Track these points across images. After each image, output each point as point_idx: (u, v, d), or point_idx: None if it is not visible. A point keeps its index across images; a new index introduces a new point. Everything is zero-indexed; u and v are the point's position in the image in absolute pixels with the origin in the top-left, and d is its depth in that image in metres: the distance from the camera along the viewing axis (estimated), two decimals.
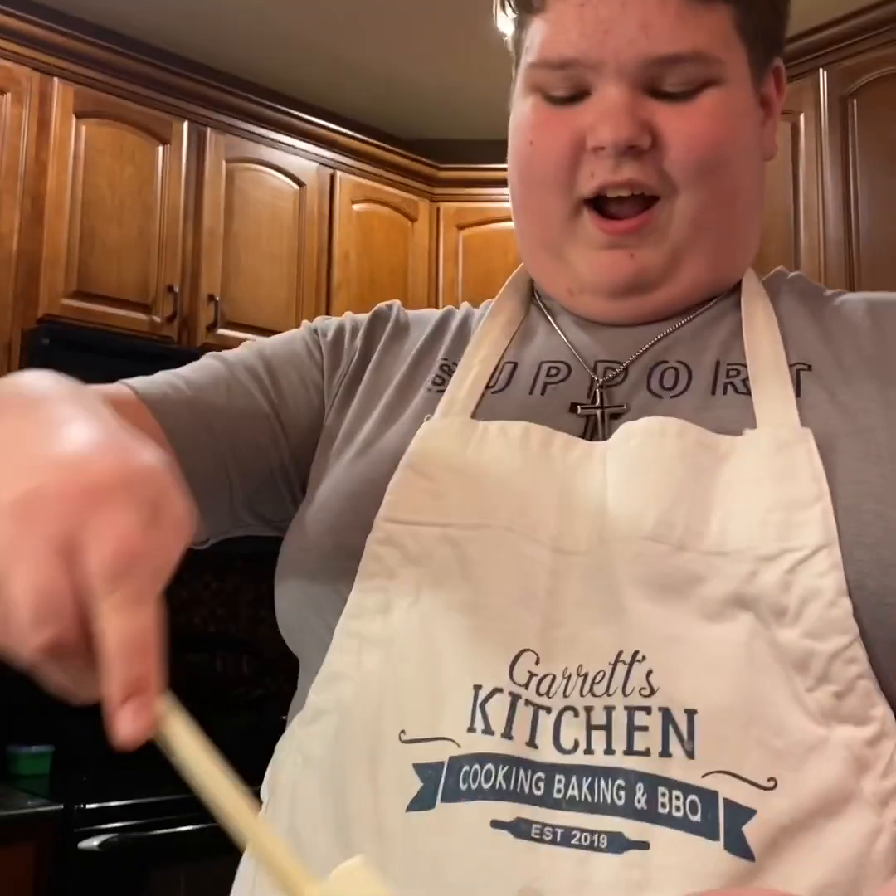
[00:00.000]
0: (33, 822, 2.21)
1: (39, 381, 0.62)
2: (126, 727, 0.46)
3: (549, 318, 0.83)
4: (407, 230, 3.31)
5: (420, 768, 0.63)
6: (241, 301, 2.93)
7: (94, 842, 2.22)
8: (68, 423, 0.52)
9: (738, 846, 0.59)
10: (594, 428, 0.74)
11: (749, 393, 0.72)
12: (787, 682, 0.62)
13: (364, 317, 0.89)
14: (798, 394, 0.72)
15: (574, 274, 0.79)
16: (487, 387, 0.78)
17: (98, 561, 0.46)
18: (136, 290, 2.77)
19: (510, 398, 0.77)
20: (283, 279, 3.03)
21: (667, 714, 0.61)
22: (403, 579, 0.69)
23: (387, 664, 0.68)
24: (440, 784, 0.62)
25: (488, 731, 0.63)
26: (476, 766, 0.62)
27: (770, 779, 0.60)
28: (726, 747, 0.61)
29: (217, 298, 2.89)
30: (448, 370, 0.81)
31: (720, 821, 0.59)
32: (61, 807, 2.26)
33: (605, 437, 0.73)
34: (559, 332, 0.81)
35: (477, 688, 0.64)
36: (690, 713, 0.61)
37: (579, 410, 0.75)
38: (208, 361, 0.85)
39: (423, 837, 0.62)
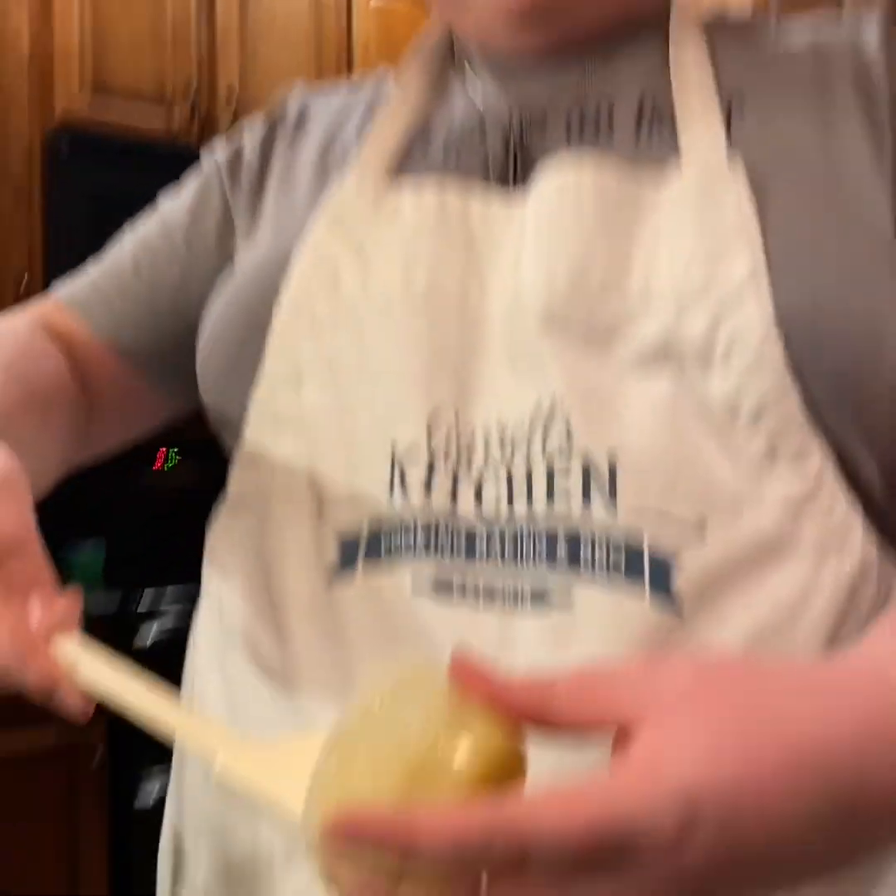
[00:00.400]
0: (89, 621, 2.35)
1: None
2: (31, 676, 0.51)
3: (465, 71, 0.76)
4: (426, 23, 3.16)
5: (339, 534, 0.63)
6: (260, 94, 2.86)
7: (147, 639, 2.34)
8: None
9: (663, 594, 0.56)
10: (508, 179, 0.68)
11: (675, 132, 0.66)
12: (714, 430, 0.59)
13: (259, 125, 0.82)
14: (728, 122, 0.65)
15: (471, 11, 0.70)
16: (400, 149, 0.72)
17: None
18: (152, 85, 2.71)
19: (423, 159, 0.71)
20: (302, 71, 2.94)
21: (586, 462, 0.58)
22: (312, 351, 0.66)
23: (301, 440, 0.66)
24: (360, 549, 0.62)
25: (406, 491, 0.61)
26: (396, 529, 0.61)
27: (699, 516, 0.57)
28: (651, 491, 0.58)
29: (235, 91, 2.82)
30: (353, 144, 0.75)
31: (645, 568, 0.57)
32: (118, 598, 2.40)
33: (519, 187, 0.67)
34: (473, 88, 0.74)
35: (394, 447, 0.62)
36: (612, 461, 0.58)
37: (494, 172, 0.69)
38: (117, 255, 0.83)
39: (342, 609, 0.61)
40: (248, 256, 0.74)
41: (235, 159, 0.81)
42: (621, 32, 0.71)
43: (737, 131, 0.65)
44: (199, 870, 0.68)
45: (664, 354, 0.59)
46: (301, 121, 0.80)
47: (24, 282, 2.50)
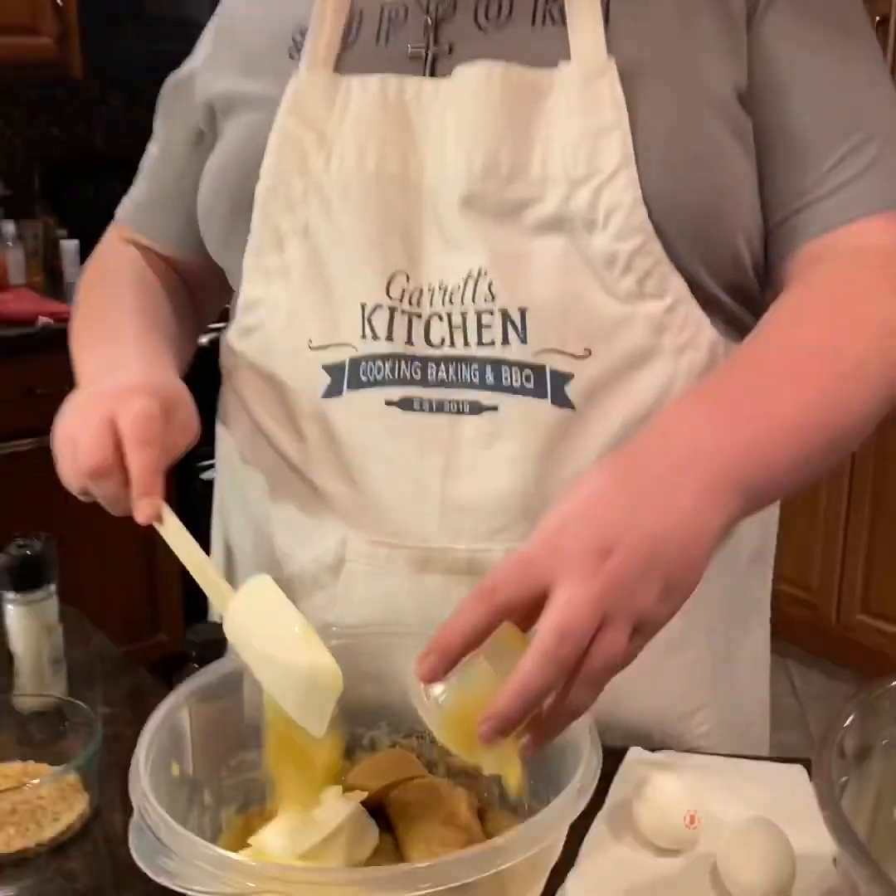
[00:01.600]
0: None
1: (121, 310, 0.94)
2: (140, 514, 0.74)
3: None
4: None
5: (328, 367, 0.85)
6: None
7: None
8: (129, 358, 0.86)
9: (562, 400, 0.81)
10: (432, 67, 0.84)
11: (565, 22, 0.81)
12: (597, 277, 0.80)
13: None
14: (607, 19, 0.80)
15: None
16: (342, 40, 0.86)
17: (126, 427, 0.75)
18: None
19: (362, 50, 0.86)
20: None
21: (505, 313, 0.80)
22: (289, 220, 0.85)
23: (288, 290, 0.86)
24: (345, 377, 0.84)
25: (375, 336, 0.83)
26: (369, 363, 0.83)
27: (585, 349, 0.80)
28: (551, 333, 0.80)
29: None
30: (303, 33, 0.87)
31: (548, 384, 0.80)
32: None
33: (442, 74, 0.83)
34: None
35: (363, 305, 0.83)
36: (523, 311, 0.80)
37: (417, 53, 0.84)
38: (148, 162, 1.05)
39: (337, 417, 0.85)
40: (227, 139, 0.90)
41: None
42: None
43: (614, 27, 0.80)
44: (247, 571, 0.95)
45: (559, 223, 0.80)
46: None
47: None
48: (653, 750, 0.85)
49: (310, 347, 0.86)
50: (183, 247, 1.02)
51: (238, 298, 0.91)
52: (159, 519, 0.74)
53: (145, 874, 0.59)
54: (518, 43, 0.82)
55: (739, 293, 0.86)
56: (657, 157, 0.79)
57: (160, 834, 0.59)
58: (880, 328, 0.76)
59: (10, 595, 0.90)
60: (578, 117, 0.79)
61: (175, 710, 0.71)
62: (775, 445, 0.69)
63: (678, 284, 0.81)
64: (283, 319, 0.87)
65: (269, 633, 0.68)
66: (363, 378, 0.84)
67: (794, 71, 0.82)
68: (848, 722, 0.59)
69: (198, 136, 0.96)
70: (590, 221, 0.79)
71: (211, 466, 2.55)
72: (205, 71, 0.95)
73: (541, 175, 0.79)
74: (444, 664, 0.60)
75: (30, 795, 0.78)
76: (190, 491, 2.71)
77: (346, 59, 0.86)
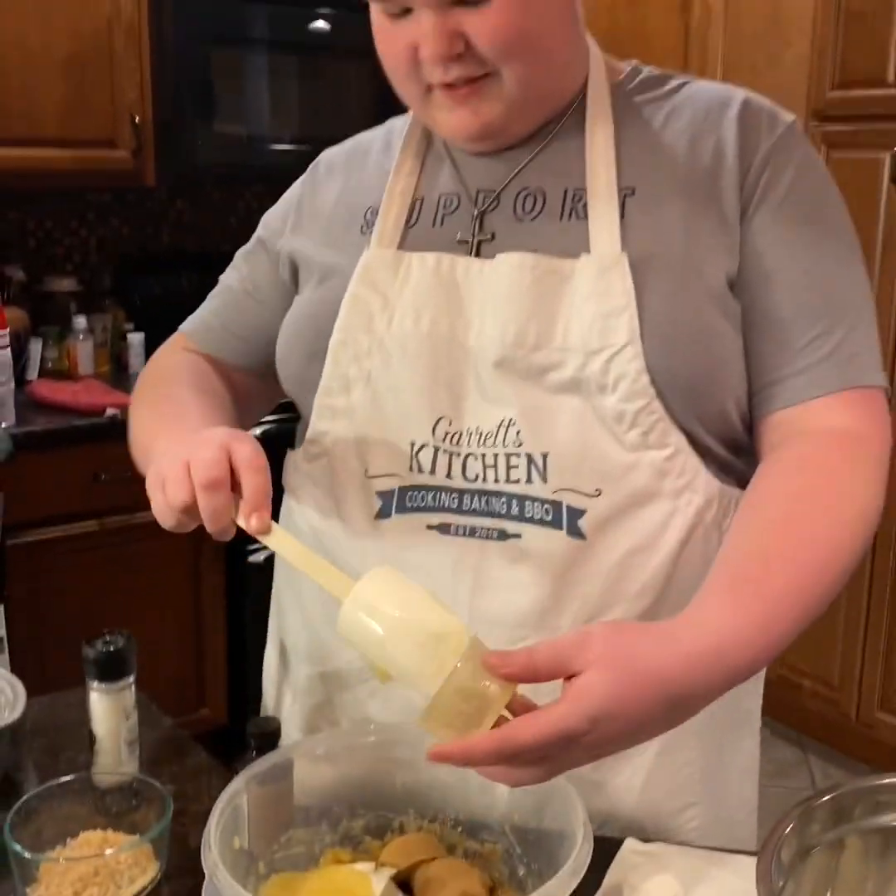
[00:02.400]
0: None
1: (181, 392, 1.09)
2: (252, 525, 0.85)
3: (445, 147, 1.06)
4: None
5: (380, 493, 1.01)
6: None
7: None
8: (199, 433, 0.93)
9: (575, 531, 0.96)
10: (477, 250, 1.00)
11: (587, 218, 0.97)
12: (609, 430, 0.95)
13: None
14: (623, 216, 0.96)
15: (439, 127, 1.01)
16: (406, 222, 1.04)
17: (243, 454, 0.87)
18: None
19: (421, 231, 1.04)
20: None
21: (530, 457, 0.96)
22: (356, 369, 1.01)
23: (351, 426, 1.02)
24: (394, 503, 1.00)
25: (421, 470, 0.99)
26: (415, 492, 0.99)
27: (596, 489, 0.95)
28: (567, 474, 0.95)
29: None
30: (375, 214, 1.05)
31: (563, 518, 0.95)
32: None
33: (486, 256, 0.99)
34: (451, 163, 1.05)
35: (412, 443, 0.99)
36: (544, 455, 0.95)
37: (466, 239, 1.01)
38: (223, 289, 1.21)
39: (386, 536, 1.00)
40: (306, 297, 1.08)
41: (290, 202, 1.16)
42: (552, 124, 1.02)
43: (628, 223, 0.96)
44: (299, 674, 1.11)
45: (576, 385, 0.95)
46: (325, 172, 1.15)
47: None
48: (647, 841, 0.97)
49: (366, 476, 1.01)
50: (244, 367, 1.17)
51: (307, 428, 1.07)
52: (269, 530, 0.85)
53: None
54: (548, 235, 0.98)
55: (731, 444, 1.00)
56: (659, 335, 0.93)
57: (226, 894, 0.73)
58: (855, 516, 0.90)
59: (96, 684, 1.04)
60: (594, 300, 0.94)
61: (237, 794, 0.84)
62: (772, 647, 0.83)
63: (678, 438, 0.95)
64: (345, 450, 1.03)
65: (400, 598, 0.78)
66: (409, 504, 0.99)
67: (776, 264, 0.96)
68: (787, 830, 0.71)
69: (282, 282, 1.13)
70: (602, 385, 0.94)
71: (257, 550, 2.71)
72: (290, 233, 1.13)
73: (562, 346, 0.95)
74: (447, 761, 0.75)
75: (110, 861, 0.92)
76: (239, 572, 2.87)
77: (408, 239, 1.03)
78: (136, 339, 3.00)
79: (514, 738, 0.73)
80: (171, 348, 1.21)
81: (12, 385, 2.49)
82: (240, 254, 1.21)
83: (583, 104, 1.01)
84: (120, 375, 2.99)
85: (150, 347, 2.98)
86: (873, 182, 2.71)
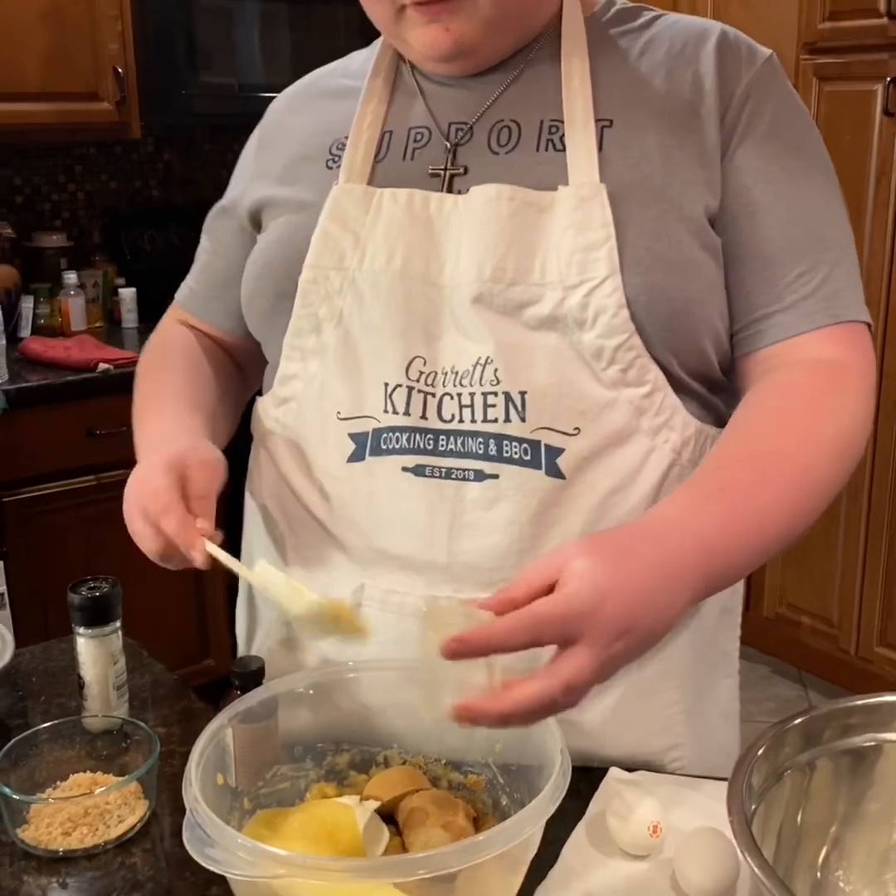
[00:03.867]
0: None
1: (167, 394, 1.10)
2: (196, 562, 0.88)
3: (415, 78, 1.04)
4: None
5: (353, 436, 0.98)
6: None
7: None
8: (166, 437, 1.00)
9: (554, 471, 0.94)
10: (450, 184, 0.98)
11: (564, 149, 0.95)
12: (587, 367, 0.93)
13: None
14: (600, 147, 0.94)
15: (410, 48, 0.99)
16: (375, 157, 1.02)
17: (149, 506, 0.91)
18: None
19: (391, 166, 1.01)
20: None
21: (507, 396, 0.93)
22: (327, 308, 0.99)
23: (322, 368, 1.00)
24: (367, 445, 0.98)
25: (395, 411, 0.96)
26: (389, 434, 0.97)
27: (575, 428, 0.94)
28: (546, 413, 0.93)
29: None
30: (341, 147, 1.03)
31: (542, 457, 0.94)
32: None
33: (458, 190, 0.97)
34: (421, 95, 1.03)
35: (386, 384, 0.97)
36: (522, 394, 0.93)
37: (438, 172, 0.99)
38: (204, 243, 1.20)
39: (359, 479, 0.98)
40: (273, 231, 1.04)
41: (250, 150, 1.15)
42: (525, 52, 1.00)
43: (606, 155, 0.94)
44: (265, 616, 1.11)
45: (554, 321, 0.93)
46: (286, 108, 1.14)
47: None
48: (631, 771, 0.99)
49: (338, 418, 0.99)
50: (231, 330, 1.17)
51: (275, 371, 1.05)
52: (211, 561, 0.88)
53: (195, 866, 0.73)
54: (524, 167, 0.96)
55: (708, 381, 0.99)
56: (639, 269, 0.91)
57: (207, 829, 0.73)
58: (833, 436, 0.91)
59: (82, 630, 1.05)
60: (573, 234, 0.92)
61: (220, 730, 0.85)
62: (737, 549, 0.83)
63: (656, 374, 0.94)
64: (316, 393, 1.01)
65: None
66: (383, 446, 0.97)
67: (762, 199, 0.95)
68: (759, 753, 0.72)
69: (244, 235, 1.11)
70: (580, 321, 0.92)
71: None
72: (251, 182, 1.10)
73: (540, 281, 0.93)
74: (466, 653, 0.71)
75: (99, 800, 0.93)
76: (238, 520, 2.87)
77: (377, 174, 1.01)
78: (127, 293, 3.00)
79: (531, 609, 0.71)
80: (168, 323, 1.22)
81: (4, 342, 2.49)
82: (210, 215, 1.20)
83: (557, 33, 0.99)
84: (113, 330, 2.99)
85: (141, 302, 2.99)
86: (866, 114, 2.68)
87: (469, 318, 0.94)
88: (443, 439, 0.96)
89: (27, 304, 2.86)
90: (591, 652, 0.71)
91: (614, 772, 0.97)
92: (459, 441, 0.95)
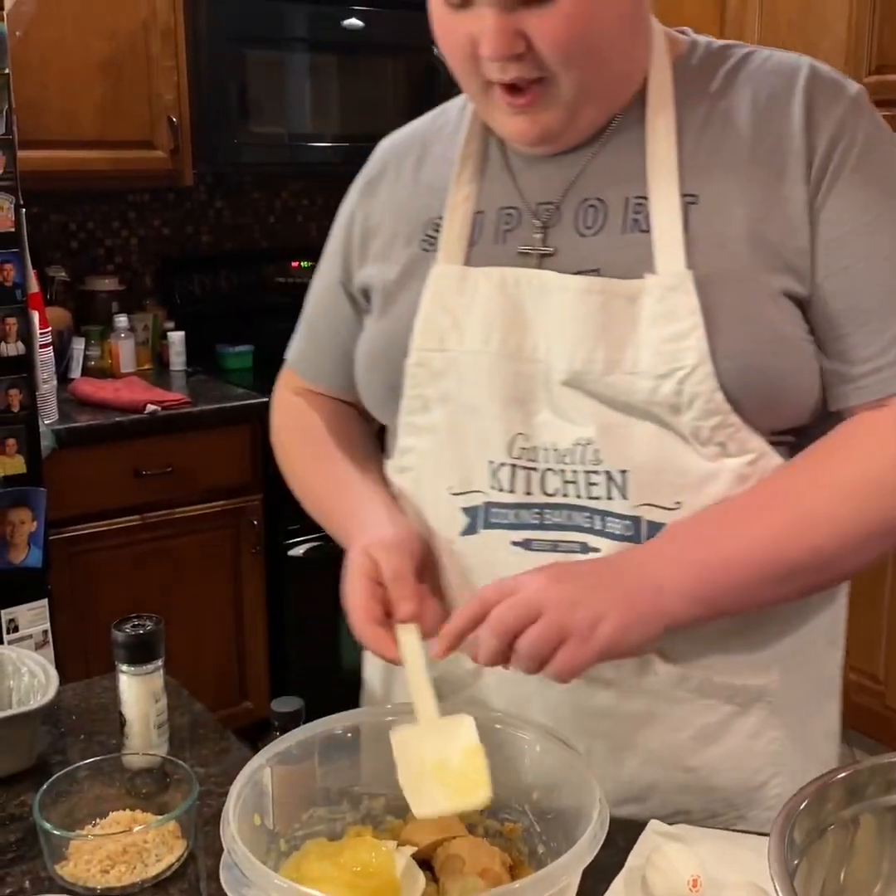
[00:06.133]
0: (244, 410, 2.73)
1: (333, 453, 1.16)
2: (401, 611, 0.95)
3: (503, 154, 1.05)
4: None
5: (466, 510, 1.02)
6: None
7: None
8: (365, 516, 1.07)
9: None
10: (539, 264, 0.99)
11: (649, 230, 0.95)
12: (686, 445, 0.94)
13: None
14: (686, 227, 0.94)
15: (497, 128, 1.01)
16: (469, 241, 1.03)
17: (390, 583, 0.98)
18: None
19: (484, 248, 1.03)
20: None
21: (608, 474, 0.96)
22: (433, 389, 1.02)
23: (434, 444, 1.04)
24: (479, 519, 1.02)
25: (501, 488, 1.00)
26: (498, 509, 1.01)
27: (676, 502, 0.95)
28: (647, 489, 0.95)
29: None
30: (436, 228, 1.05)
31: (643, 533, 0.96)
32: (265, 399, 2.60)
33: (550, 268, 0.98)
34: (509, 171, 1.04)
35: (491, 462, 1.00)
36: (623, 472, 0.96)
37: (528, 252, 1.00)
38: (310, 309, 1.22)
39: (474, 551, 1.02)
40: (378, 327, 1.08)
41: (350, 221, 1.14)
42: (612, 120, 0.99)
43: (692, 237, 0.93)
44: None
45: (647, 408, 0.94)
46: (377, 176, 1.14)
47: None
48: (672, 823, 0.97)
49: (450, 493, 1.03)
50: (340, 388, 1.19)
51: (395, 438, 1.08)
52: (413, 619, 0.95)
53: None
54: (611, 251, 0.96)
55: (801, 433, 0.98)
56: (731, 354, 0.92)
57: (244, 869, 0.74)
58: (855, 476, 0.93)
59: (125, 667, 1.06)
60: (661, 324, 0.93)
61: (259, 771, 0.85)
62: (721, 567, 0.91)
63: (758, 443, 0.95)
64: (431, 467, 1.05)
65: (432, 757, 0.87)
66: (493, 521, 1.01)
67: (856, 252, 0.93)
68: (801, 809, 0.71)
69: (356, 308, 1.14)
70: (675, 406, 0.93)
71: (297, 544, 2.74)
72: (357, 264, 1.12)
73: (631, 370, 0.94)
74: (447, 646, 0.90)
75: (137, 839, 0.94)
76: (279, 564, 2.90)
77: (471, 255, 1.02)
78: (176, 337, 3.04)
79: (480, 595, 0.89)
80: (287, 390, 1.25)
81: (55, 383, 2.53)
82: (318, 286, 1.21)
83: (644, 93, 0.98)
84: (161, 373, 3.03)
85: (190, 345, 3.04)
86: None
87: (564, 399, 0.97)
88: (548, 513, 0.99)
89: (78, 346, 2.91)
90: (555, 614, 0.86)
91: (654, 824, 0.96)
92: (565, 514, 0.98)
